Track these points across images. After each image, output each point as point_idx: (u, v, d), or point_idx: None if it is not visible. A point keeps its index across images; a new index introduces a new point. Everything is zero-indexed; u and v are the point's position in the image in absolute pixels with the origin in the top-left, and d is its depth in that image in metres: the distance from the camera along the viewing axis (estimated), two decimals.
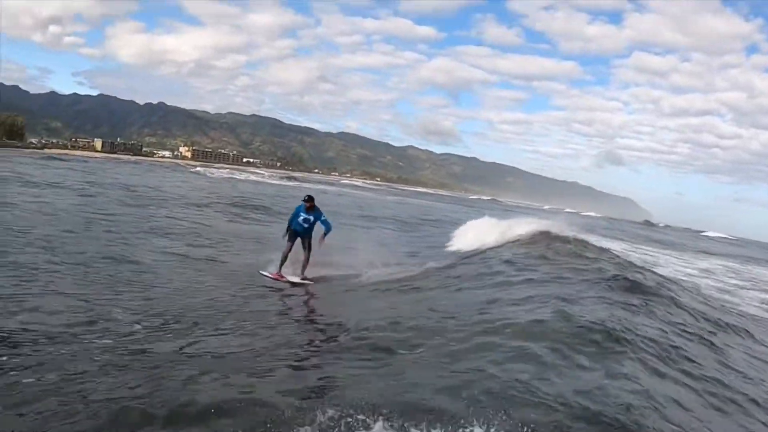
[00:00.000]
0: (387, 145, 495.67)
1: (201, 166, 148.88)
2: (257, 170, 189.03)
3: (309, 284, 15.45)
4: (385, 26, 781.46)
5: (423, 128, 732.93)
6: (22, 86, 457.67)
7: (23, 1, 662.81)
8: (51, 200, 26.83)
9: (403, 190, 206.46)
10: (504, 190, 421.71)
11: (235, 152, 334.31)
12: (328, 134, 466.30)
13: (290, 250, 16.00)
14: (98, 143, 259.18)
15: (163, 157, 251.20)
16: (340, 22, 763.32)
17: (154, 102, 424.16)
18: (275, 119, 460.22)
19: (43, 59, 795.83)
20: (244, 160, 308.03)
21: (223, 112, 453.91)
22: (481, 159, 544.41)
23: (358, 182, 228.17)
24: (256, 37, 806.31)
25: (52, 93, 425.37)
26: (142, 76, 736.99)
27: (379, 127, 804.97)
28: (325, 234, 15.91)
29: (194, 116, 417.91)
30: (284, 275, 15.59)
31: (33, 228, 17.60)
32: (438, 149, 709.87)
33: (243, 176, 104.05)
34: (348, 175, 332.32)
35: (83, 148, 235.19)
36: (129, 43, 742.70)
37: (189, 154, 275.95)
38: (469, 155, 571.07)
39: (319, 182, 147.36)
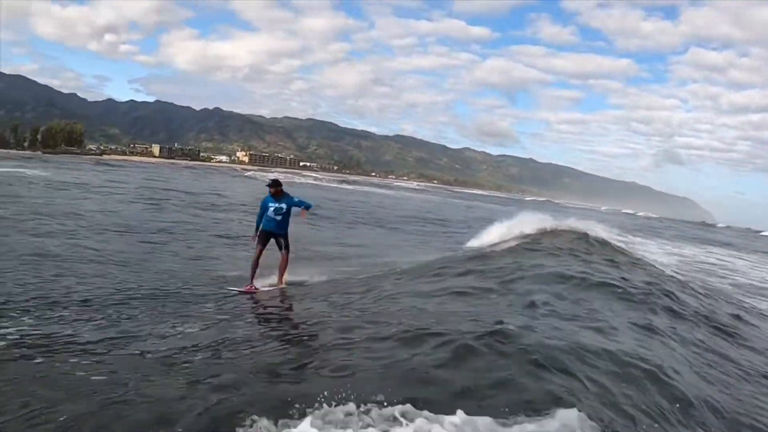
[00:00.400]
0: (443, 147, 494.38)
1: (258, 170, 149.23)
2: (314, 174, 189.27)
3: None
4: (439, 28, 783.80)
5: (479, 130, 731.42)
6: (80, 94, 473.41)
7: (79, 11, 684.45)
8: (117, 209, 25.95)
9: (461, 192, 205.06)
10: (561, 191, 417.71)
11: (291, 156, 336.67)
12: (385, 137, 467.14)
13: (261, 254, 12.96)
14: (156, 149, 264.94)
15: (220, 162, 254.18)
16: (393, 25, 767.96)
17: (210, 107, 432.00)
18: (331, 123, 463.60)
19: (99, 67, 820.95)
20: (301, 164, 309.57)
21: (279, 116, 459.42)
22: (538, 160, 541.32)
23: (414, 184, 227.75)
24: (310, 41, 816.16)
25: (110, 100, 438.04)
26: (198, 82, 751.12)
27: (435, 129, 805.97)
28: (307, 208, 13.20)
29: (250, 121, 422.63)
30: (256, 287, 12.48)
31: (107, 243, 16.32)
32: (494, 151, 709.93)
33: (302, 180, 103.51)
34: (405, 177, 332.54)
35: (141, 154, 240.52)
36: (184, 50, 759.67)
37: (246, 159, 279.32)
38: (525, 156, 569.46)
39: (378, 185, 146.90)
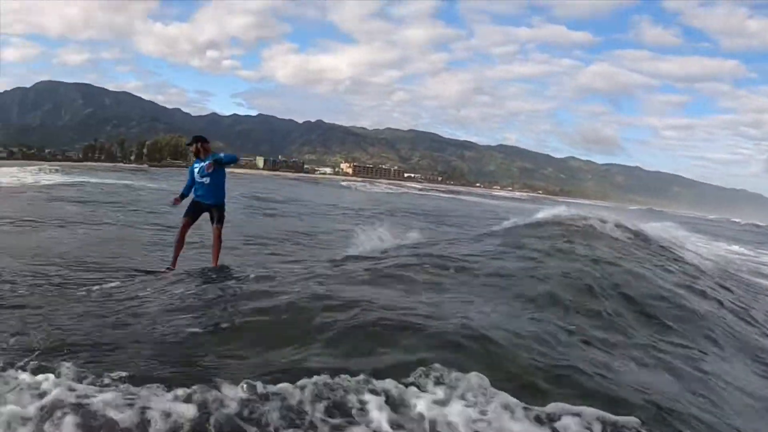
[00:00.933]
0: (547, 156, 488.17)
1: (362, 181, 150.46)
2: (417, 185, 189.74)
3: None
4: (539, 34, 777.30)
5: (583, 137, 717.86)
6: (184, 109, 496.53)
7: (180, 29, 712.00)
8: (236, 219, 25.06)
9: (566, 201, 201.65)
10: (670, 200, 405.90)
11: (395, 168, 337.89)
12: (488, 147, 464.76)
13: (187, 229, 10.61)
14: (260, 161, 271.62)
15: (324, 173, 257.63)
16: (492, 33, 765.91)
17: (313, 120, 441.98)
18: (433, 134, 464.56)
19: (202, 83, 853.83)
20: (405, 175, 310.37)
21: (381, 127, 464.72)
22: (645, 168, 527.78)
23: (517, 194, 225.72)
24: (409, 51, 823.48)
25: (213, 114, 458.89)
26: (300, 95, 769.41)
27: (538, 138, 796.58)
28: (226, 162, 10.42)
29: (352, 133, 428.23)
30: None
31: (244, 257, 15.17)
32: (600, 159, 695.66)
33: (406, 190, 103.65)
34: (509, 188, 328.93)
35: (246, 166, 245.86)
36: (284, 64, 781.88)
37: (350, 170, 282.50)
38: (631, 165, 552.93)
39: (483, 196, 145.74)
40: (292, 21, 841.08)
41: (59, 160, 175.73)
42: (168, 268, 10.06)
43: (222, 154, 10.43)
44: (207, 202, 10.50)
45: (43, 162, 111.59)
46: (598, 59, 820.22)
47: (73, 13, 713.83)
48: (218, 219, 10.45)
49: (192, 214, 10.59)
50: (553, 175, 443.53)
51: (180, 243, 10.48)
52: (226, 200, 10.76)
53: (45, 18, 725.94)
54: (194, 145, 10.59)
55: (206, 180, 10.34)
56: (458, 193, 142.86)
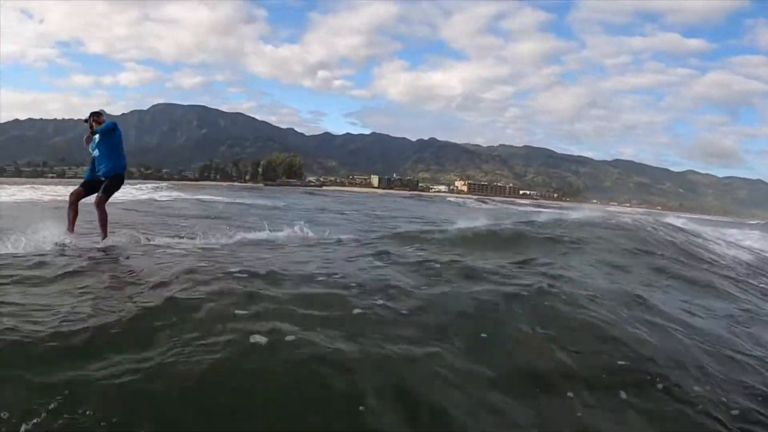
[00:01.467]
0: (665, 170, 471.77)
1: (476, 199, 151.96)
2: (529, 201, 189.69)
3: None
4: (653, 43, 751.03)
5: (702, 150, 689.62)
6: (297, 129, 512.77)
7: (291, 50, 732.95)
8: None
9: (687, 217, 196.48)
10: None
11: (510, 184, 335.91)
12: (603, 162, 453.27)
13: (78, 198, 10.08)
14: (375, 179, 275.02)
15: (438, 191, 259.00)
16: (604, 43, 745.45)
17: (426, 138, 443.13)
18: (548, 149, 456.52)
19: (315, 103, 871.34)
20: (521, 192, 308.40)
21: (495, 144, 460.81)
22: (767, 181, 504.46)
23: (629, 209, 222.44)
24: (521, 66, 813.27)
25: (326, 134, 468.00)
26: (412, 113, 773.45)
27: (655, 151, 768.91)
28: (102, 131, 10.02)
29: (466, 150, 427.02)
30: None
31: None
32: (720, 173, 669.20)
33: (520, 209, 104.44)
34: (627, 204, 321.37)
35: (360, 185, 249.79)
36: (395, 82, 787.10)
37: (465, 188, 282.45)
38: (753, 177, 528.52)
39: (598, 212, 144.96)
40: (401, 39, 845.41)
41: (176, 180, 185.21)
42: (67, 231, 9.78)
43: (104, 124, 10.24)
44: (99, 174, 10.12)
45: (160, 181, 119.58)
46: (714, 67, 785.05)
47: (186, 38, 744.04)
48: (103, 188, 9.96)
49: (86, 186, 10.26)
50: (671, 190, 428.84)
51: (71, 209, 10.01)
52: (123, 171, 10.45)
53: (159, 43, 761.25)
54: (89, 121, 10.29)
55: (96, 153, 10.08)
56: (575, 209, 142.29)
